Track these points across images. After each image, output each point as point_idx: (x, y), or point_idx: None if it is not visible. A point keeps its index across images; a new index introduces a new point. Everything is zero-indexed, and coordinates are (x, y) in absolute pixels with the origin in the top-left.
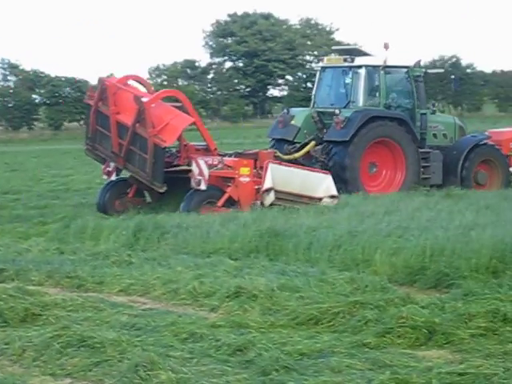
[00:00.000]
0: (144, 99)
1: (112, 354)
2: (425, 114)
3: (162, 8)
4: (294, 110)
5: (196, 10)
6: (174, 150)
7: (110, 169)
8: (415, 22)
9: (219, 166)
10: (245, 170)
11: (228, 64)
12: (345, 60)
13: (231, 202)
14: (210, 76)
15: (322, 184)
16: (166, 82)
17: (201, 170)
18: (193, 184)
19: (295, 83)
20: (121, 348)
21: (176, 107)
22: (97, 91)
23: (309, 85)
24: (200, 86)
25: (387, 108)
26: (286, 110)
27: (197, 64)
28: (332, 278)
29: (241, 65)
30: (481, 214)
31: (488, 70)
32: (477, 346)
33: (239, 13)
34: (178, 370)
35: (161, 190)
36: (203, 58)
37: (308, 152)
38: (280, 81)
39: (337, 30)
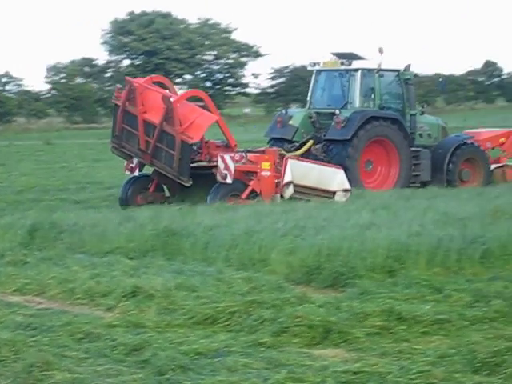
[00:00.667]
0: (172, 99)
1: (6, 355)
2: (414, 115)
3: (59, 6)
4: (291, 111)
5: (94, 8)
6: (194, 148)
7: (133, 165)
8: (310, 19)
9: (243, 161)
10: (266, 165)
11: (126, 62)
12: (342, 63)
13: (254, 195)
14: (109, 74)
15: (335, 178)
16: (64, 80)
17: (227, 164)
18: (219, 178)
19: (194, 82)
20: (15, 348)
21: (200, 106)
22: (124, 92)
23: (207, 84)
24: (98, 85)
25: (381, 109)
26: (284, 111)
27: (94, 62)
28: (229, 278)
29: (139, 63)
30: (377, 213)
31: None
32: (372, 345)
33: (137, 11)
34: (73, 370)
35: (187, 184)
36: (101, 57)
37: (308, 150)
38: (178, 80)
39: (235, 29)
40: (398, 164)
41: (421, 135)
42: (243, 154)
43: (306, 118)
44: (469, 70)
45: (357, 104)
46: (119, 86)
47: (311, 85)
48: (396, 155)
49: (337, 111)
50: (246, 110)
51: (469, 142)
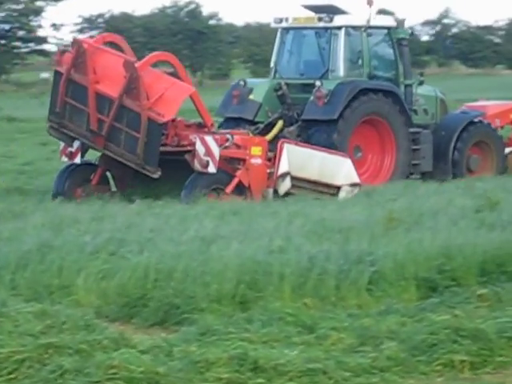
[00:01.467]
0: (136, 65)
1: None
2: (410, 85)
3: None
4: (251, 82)
5: None
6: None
7: (72, 149)
8: None
9: (227, 144)
10: (256, 150)
11: None
12: (320, 19)
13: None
14: None
15: (340, 169)
16: None
17: (209, 149)
18: (197, 166)
19: None
20: None
21: (168, 74)
22: (70, 55)
23: None
24: None
25: (370, 78)
26: (242, 82)
27: None
28: (15, 312)
29: None
30: (225, 221)
31: (239, 22)
32: None
33: None
34: None
35: (155, 176)
36: None
37: (277, 134)
38: None
39: None
40: (395, 150)
41: (415, 111)
42: (228, 136)
43: (270, 90)
44: (424, 20)
45: (341, 72)
46: (62, 46)
47: (276, 47)
48: (392, 139)
49: (317, 82)
50: (44, 75)
51: (477, 120)
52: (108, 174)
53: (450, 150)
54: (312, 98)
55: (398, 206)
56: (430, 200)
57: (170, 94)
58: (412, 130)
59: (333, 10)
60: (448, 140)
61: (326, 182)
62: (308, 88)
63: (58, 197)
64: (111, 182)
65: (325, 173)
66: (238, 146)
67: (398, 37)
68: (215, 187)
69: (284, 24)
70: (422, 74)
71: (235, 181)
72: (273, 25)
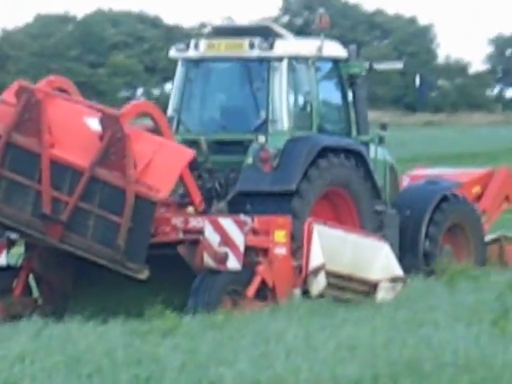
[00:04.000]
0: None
1: None
2: (367, 144)
3: None
4: None
5: None
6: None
7: None
8: None
9: (247, 228)
10: (280, 236)
11: None
12: (252, 46)
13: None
14: None
15: (376, 258)
16: None
17: (227, 236)
18: (208, 263)
19: None
20: None
21: (148, 130)
22: (9, 109)
23: None
24: None
25: (320, 132)
26: None
27: None
28: None
29: None
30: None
31: None
32: None
33: None
34: None
35: (141, 276)
36: None
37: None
38: None
39: None
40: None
41: None
42: (246, 218)
43: None
44: None
45: (284, 124)
46: None
47: (176, 88)
48: (354, 219)
49: (261, 138)
50: None
51: (451, 194)
52: (30, 278)
53: (420, 237)
54: (250, 160)
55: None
56: None
57: (161, 159)
58: (378, 207)
59: (268, 33)
60: (416, 224)
61: (360, 276)
62: (232, 147)
63: None
64: (37, 290)
65: (358, 264)
66: (254, 231)
67: (350, 73)
68: (231, 289)
69: (192, 53)
70: (383, 127)
71: (257, 279)
72: (173, 54)
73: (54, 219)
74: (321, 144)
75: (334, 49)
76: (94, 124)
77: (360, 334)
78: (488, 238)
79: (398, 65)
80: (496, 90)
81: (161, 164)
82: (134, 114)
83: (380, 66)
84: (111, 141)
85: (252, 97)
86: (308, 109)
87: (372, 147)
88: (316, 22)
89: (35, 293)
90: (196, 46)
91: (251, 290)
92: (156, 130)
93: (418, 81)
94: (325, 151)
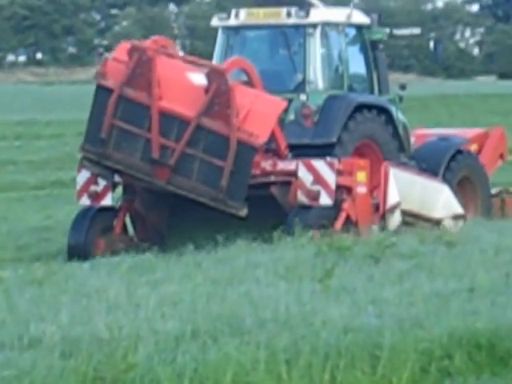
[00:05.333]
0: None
1: None
2: (389, 102)
3: None
4: None
5: None
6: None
7: (98, 189)
8: None
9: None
10: (362, 176)
11: None
12: (289, 14)
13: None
14: None
15: (439, 199)
16: None
17: (319, 176)
18: (301, 199)
19: None
20: None
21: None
22: (122, 66)
23: None
24: None
25: (350, 91)
26: None
27: None
28: None
29: None
30: None
31: None
32: None
33: None
34: None
35: (241, 213)
36: None
37: None
38: None
39: None
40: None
41: None
42: (335, 160)
43: None
44: None
45: (319, 84)
46: (106, 54)
47: (218, 53)
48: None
49: (302, 96)
50: None
51: (464, 150)
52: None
53: None
54: (292, 116)
55: None
56: None
57: (259, 109)
58: (403, 159)
59: (301, 3)
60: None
61: (425, 214)
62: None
63: (77, 252)
64: (129, 228)
65: (425, 203)
66: (339, 172)
67: (372, 38)
68: (321, 224)
69: (233, 21)
70: (403, 87)
71: (343, 215)
72: (215, 23)
73: (162, 163)
74: (356, 101)
75: (359, 17)
76: (196, 78)
77: (181, 291)
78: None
79: (416, 30)
80: None
81: (259, 113)
82: (233, 69)
83: (399, 32)
84: (217, 93)
85: (289, 60)
86: (339, 70)
87: (393, 106)
88: None
89: (130, 232)
90: (236, 15)
91: (338, 224)
92: (249, 83)
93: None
94: (359, 107)
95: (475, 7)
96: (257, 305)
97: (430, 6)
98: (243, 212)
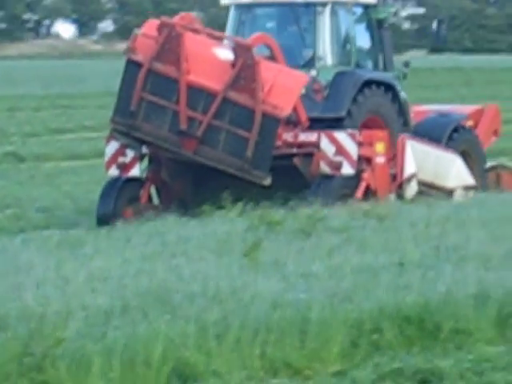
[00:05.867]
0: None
1: None
2: (394, 78)
3: None
4: None
5: None
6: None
7: (125, 159)
8: None
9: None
10: (380, 147)
11: None
12: None
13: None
14: None
15: (451, 169)
16: None
17: (341, 147)
18: (324, 169)
19: None
20: None
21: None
22: (151, 41)
23: None
24: None
25: (357, 67)
26: None
27: None
28: None
29: None
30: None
31: None
32: None
33: None
34: None
35: (265, 182)
36: None
37: None
38: None
39: None
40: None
41: None
42: (356, 132)
43: None
44: None
45: (329, 60)
46: (137, 31)
47: (229, 31)
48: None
49: (312, 71)
50: None
51: (463, 125)
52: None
53: None
54: (303, 91)
55: None
56: None
57: (282, 82)
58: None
59: None
60: None
61: (438, 184)
62: None
63: (108, 218)
64: (154, 195)
65: (439, 174)
66: (360, 143)
67: (378, 17)
68: (343, 193)
69: (244, 0)
70: (407, 65)
71: (363, 184)
72: (226, 1)
73: (190, 135)
74: (364, 77)
75: None
76: (222, 53)
77: (111, 265)
78: (486, 165)
79: (421, 9)
80: None
81: (282, 87)
82: (258, 44)
83: (405, 12)
84: (243, 67)
85: (300, 37)
86: (347, 47)
87: (398, 83)
88: None
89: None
90: None
91: (359, 193)
92: (272, 58)
93: (435, 25)
94: (368, 83)
95: None
96: (186, 280)
97: None
98: (267, 181)
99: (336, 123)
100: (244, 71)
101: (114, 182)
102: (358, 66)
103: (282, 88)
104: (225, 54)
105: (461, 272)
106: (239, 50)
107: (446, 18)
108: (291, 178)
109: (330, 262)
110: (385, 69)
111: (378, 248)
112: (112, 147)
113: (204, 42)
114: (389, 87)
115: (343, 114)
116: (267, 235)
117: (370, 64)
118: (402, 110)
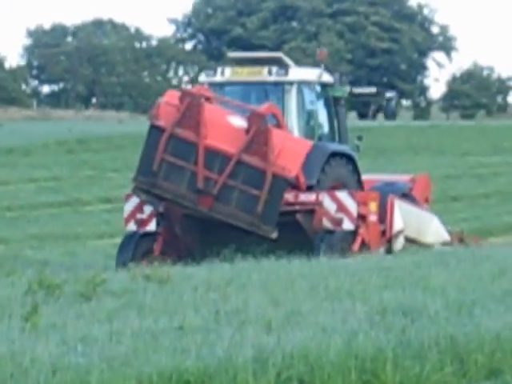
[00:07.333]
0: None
1: None
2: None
3: None
4: None
5: None
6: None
7: (143, 216)
8: None
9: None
10: (374, 206)
11: None
12: (270, 72)
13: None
14: None
15: (430, 226)
16: None
17: (342, 205)
18: (326, 224)
19: None
20: None
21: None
22: (173, 109)
23: None
24: None
25: (319, 139)
26: None
27: None
28: None
29: None
30: None
31: None
32: None
33: None
34: None
35: (272, 236)
36: None
37: None
38: None
39: None
40: None
41: None
42: (355, 192)
43: None
44: None
45: (295, 134)
46: (162, 99)
47: None
48: None
49: None
50: None
51: (408, 194)
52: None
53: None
54: None
55: None
56: None
57: (289, 147)
58: None
59: (279, 62)
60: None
61: (420, 240)
62: None
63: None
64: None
65: (419, 230)
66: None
67: (335, 95)
68: (342, 246)
69: (219, 78)
70: (360, 138)
71: (359, 239)
72: (203, 79)
73: (206, 193)
74: (330, 149)
75: (326, 76)
76: (235, 121)
77: None
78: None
79: (372, 89)
80: (32, 85)
81: (290, 151)
82: (269, 113)
83: (357, 90)
84: (257, 133)
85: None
86: (311, 122)
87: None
88: (317, 55)
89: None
90: (222, 73)
91: (356, 246)
92: (278, 126)
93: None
94: (333, 155)
95: (189, 45)
96: None
97: (144, 44)
98: (274, 234)
99: (307, 190)
100: (257, 136)
101: (131, 236)
102: (320, 138)
103: (290, 152)
104: (238, 121)
105: (241, 336)
106: (254, 117)
107: (395, 96)
108: (293, 232)
109: (110, 326)
110: (340, 141)
111: (159, 312)
112: (130, 204)
113: (220, 110)
114: (349, 158)
115: (314, 182)
116: (46, 299)
117: (329, 137)
118: (360, 179)
